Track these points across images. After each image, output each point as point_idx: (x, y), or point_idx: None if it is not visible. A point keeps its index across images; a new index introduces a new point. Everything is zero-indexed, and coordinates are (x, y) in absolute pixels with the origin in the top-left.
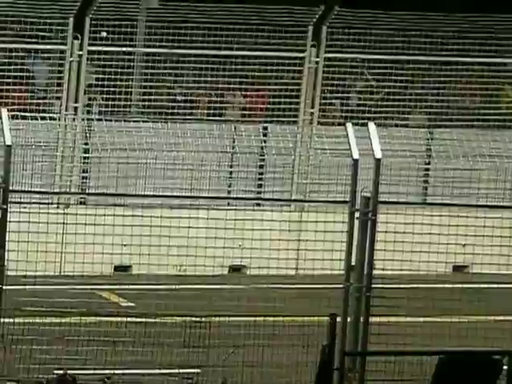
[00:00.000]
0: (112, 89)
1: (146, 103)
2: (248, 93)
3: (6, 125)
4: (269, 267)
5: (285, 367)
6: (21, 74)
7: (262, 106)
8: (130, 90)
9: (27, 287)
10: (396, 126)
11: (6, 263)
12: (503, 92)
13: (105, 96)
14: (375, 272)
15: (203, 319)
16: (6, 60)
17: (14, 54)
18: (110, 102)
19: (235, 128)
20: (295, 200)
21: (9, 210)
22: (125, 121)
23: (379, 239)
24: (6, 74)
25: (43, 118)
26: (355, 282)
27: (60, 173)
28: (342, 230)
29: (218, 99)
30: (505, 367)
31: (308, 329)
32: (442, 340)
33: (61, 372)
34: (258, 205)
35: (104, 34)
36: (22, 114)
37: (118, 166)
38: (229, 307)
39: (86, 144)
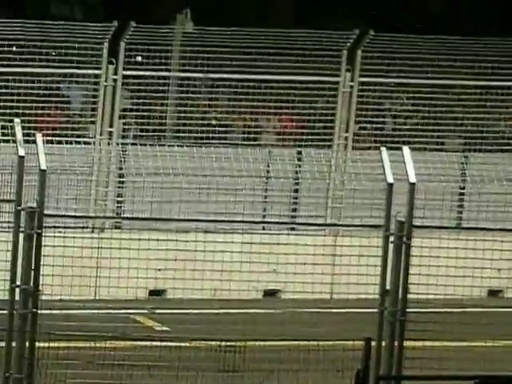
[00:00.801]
0: (147, 113)
1: (181, 127)
2: (283, 117)
3: (41, 149)
4: (303, 291)
5: None
6: (56, 98)
7: (296, 130)
8: (164, 114)
9: (62, 311)
10: (431, 150)
11: (41, 287)
12: None
13: (139, 120)
14: (410, 296)
15: (237, 344)
16: (42, 85)
17: (49, 78)
18: (144, 127)
19: (270, 152)
20: (329, 224)
21: (43, 234)
22: (159, 145)
23: (414, 263)
24: (41, 98)
25: (78, 143)
26: (390, 306)
27: (95, 197)
28: (376, 255)
29: (253, 123)
30: None
31: (342, 353)
32: (476, 364)
33: None
34: (293, 229)
35: (139, 59)
36: (57, 138)
37: (152, 190)
38: (263, 331)
39: (121, 168)
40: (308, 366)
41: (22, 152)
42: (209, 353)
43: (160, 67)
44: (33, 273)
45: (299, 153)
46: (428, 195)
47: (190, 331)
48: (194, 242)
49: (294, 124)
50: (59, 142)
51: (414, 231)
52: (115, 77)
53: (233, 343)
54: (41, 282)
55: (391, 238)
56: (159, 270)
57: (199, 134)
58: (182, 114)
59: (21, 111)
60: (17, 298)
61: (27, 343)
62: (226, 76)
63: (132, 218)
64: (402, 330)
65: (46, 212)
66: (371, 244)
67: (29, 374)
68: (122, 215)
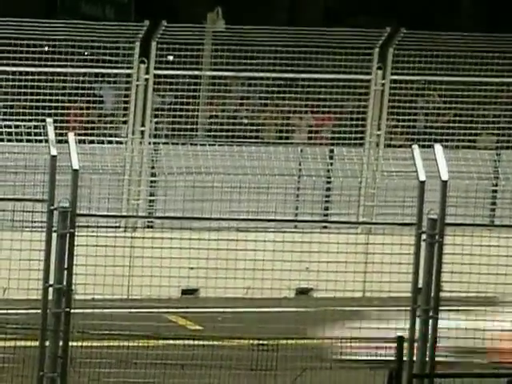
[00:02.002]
0: (178, 112)
1: (212, 126)
2: (314, 115)
3: (74, 149)
4: (335, 290)
5: None
6: (88, 98)
7: (328, 128)
8: (196, 113)
9: (95, 311)
10: (463, 147)
11: (73, 287)
12: None
13: (171, 120)
14: (442, 294)
15: (270, 342)
16: (74, 84)
17: (81, 78)
18: (176, 126)
19: (302, 150)
20: (362, 222)
21: (76, 233)
22: (191, 144)
23: (446, 261)
24: (74, 98)
25: (110, 142)
26: (422, 304)
27: (127, 196)
28: (408, 252)
29: (285, 122)
30: None
31: (375, 351)
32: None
33: None
34: (325, 227)
35: (170, 58)
36: (90, 138)
37: (184, 189)
38: (296, 330)
39: (153, 168)
40: (341, 365)
41: (54, 152)
42: (241, 351)
43: (191, 66)
44: (66, 272)
45: (331, 151)
46: (460, 193)
47: (223, 330)
48: (227, 240)
49: (326, 122)
50: (91, 142)
51: (447, 229)
52: (147, 76)
53: (265, 342)
54: (74, 282)
55: (423, 236)
56: (192, 268)
57: (231, 133)
58: (214, 113)
59: (53, 111)
60: (50, 297)
61: (61, 342)
62: (257, 75)
63: (164, 217)
64: (435, 327)
65: (78, 212)
66: (403, 242)
67: (62, 373)
68: (154, 214)
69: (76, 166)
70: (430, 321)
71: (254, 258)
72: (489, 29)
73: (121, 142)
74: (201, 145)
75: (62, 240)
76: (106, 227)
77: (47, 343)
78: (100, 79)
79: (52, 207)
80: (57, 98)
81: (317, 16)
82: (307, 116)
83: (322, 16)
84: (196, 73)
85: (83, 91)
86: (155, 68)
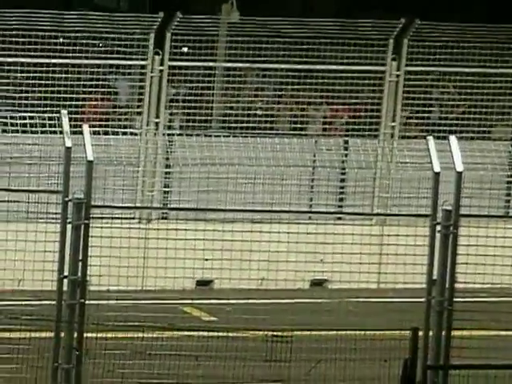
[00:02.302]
0: (193, 104)
1: (227, 118)
2: (329, 106)
3: (88, 140)
4: (350, 281)
5: (366, 381)
6: (103, 89)
7: (342, 119)
8: (210, 104)
9: (110, 302)
10: (478, 138)
11: (88, 278)
12: None
13: (186, 111)
14: (457, 285)
15: (284, 334)
16: (89, 76)
17: (96, 69)
18: (191, 117)
19: (316, 142)
20: (376, 214)
21: (91, 225)
22: (206, 135)
23: (461, 252)
24: (88, 89)
25: (125, 134)
26: (437, 295)
27: (141, 188)
28: (423, 244)
29: (299, 113)
30: None
31: (390, 342)
32: None
33: None
34: (339, 219)
35: (185, 50)
36: (104, 129)
37: (198, 180)
38: (310, 321)
39: (167, 159)
40: (355, 356)
41: (68, 143)
42: (256, 343)
43: (206, 57)
44: (80, 263)
45: (346, 142)
46: (475, 184)
47: (237, 321)
48: (241, 231)
49: (341, 113)
50: (106, 133)
51: (461, 220)
52: (161, 68)
53: (280, 333)
54: (88, 273)
55: (438, 227)
56: (206, 260)
57: (245, 124)
58: (228, 104)
59: (68, 102)
60: (65, 288)
61: (75, 334)
62: (271, 66)
63: (179, 209)
64: (450, 319)
65: (93, 203)
66: (418, 233)
67: (77, 364)
68: (169, 206)
69: (91, 158)
70: (445, 312)
71: (268, 250)
72: (504, 20)
73: (135, 134)
74: (215, 136)
75: (76, 231)
76: (121, 218)
77: (62, 334)
78: (115, 71)
79: (67, 198)
80: (71, 89)
81: (332, 7)
82: (322, 107)
83: (336, 7)
84: (210, 64)
85: (98, 83)
86: (170, 59)
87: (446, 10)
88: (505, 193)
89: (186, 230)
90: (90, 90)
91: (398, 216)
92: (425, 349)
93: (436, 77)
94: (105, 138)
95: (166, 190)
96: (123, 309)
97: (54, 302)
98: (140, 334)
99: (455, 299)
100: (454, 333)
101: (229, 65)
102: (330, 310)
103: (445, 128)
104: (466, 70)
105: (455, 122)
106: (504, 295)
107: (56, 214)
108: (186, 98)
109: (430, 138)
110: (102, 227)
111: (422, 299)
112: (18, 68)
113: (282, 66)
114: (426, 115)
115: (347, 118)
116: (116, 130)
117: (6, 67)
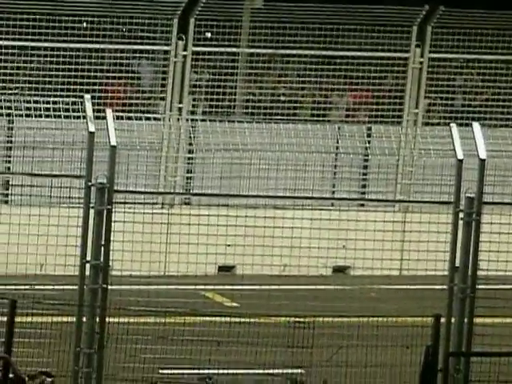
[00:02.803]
0: (216, 89)
1: (250, 103)
2: (352, 93)
3: (111, 125)
4: (372, 268)
5: (388, 368)
6: (126, 74)
7: (366, 106)
8: (234, 90)
9: (132, 287)
10: (501, 126)
11: (110, 263)
12: None
13: (209, 96)
14: (479, 273)
15: (306, 320)
16: (112, 61)
17: (119, 54)
18: (214, 103)
19: (339, 128)
20: (399, 200)
21: (113, 210)
22: (229, 121)
23: (483, 240)
24: (112, 74)
25: (148, 119)
26: (459, 282)
27: (164, 173)
28: (445, 231)
29: (322, 99)
30: None
31: (412, 329)
32: None
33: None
34: (362, 205)
35: (208, 35)
36: (127, 114)
37: (221, 166)
38: (332, 308)
39: (191, 144)
40: (377, 343)
41: (92, 128)
42: (278, 329)
43: (229, 43)
44: (103, 248)
45: (369, 129)
46: (498, 171)
47: (259, 307)
48: (264, 217)
49: (364, 100)
50: (129, 118)
51: (484, 207)
52: (185, 53)
53: (302, 319)
54: (111, 258)
55: (461, 215)
56: (228, 245)
57: (268, 110)
58: (251, 90)
59: (91, 87)
60: (87, 273)
61: (97, 318)
62: (295, 52)
63: (201, 194)
64: (472, 306)
65: (115, 188)
66: (441, 220)
67: (99, 348)
68: (192, 191)
69: (114, 143)
70: (467, 299)
71: (290, 236)
72: None
73: (158, 119)
74: (238, 122)
75: (99, 216)
76: (144, 203)
77: (84, 319)
78: (138, 56)
79: (89, 183)
80: (95, 74)
81: None
82: (345, 93)
83: None
84: (234, 50)
85: (121, 67)
86: (193, 45)
87: None
88: None
89: (208, 215)
90: (114, 74)
91: (421, 203)
92: (447, 336)
93: (459, 64)
94: (128, 122)
95: (189, 175)
96: (145, 294)
97: (76, 287)
98: (162, 320)
99: (477, 286)
100: (476, 320)
101: (252, 50)
102: (352, 296)
103: (468, 115)
104: (490, 57)
105: (478, 109)
106: None
107: (79, 198)
108: (210, 83)
109: (454, 125)
110: (124, 212)
111: (445, 286)
112: (42, 53)
113: (306, 51)
114: (449, 102)
115: (370, 104)
116: (139, 115)
117: (30, 52)
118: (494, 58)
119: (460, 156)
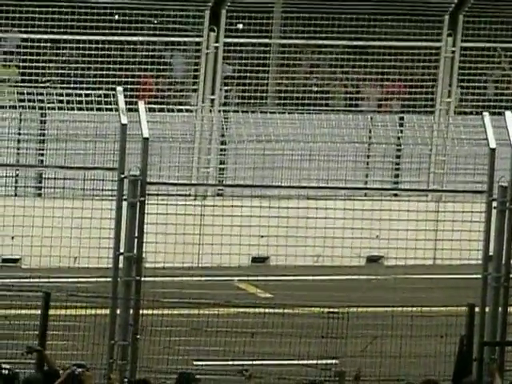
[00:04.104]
0: (248, 80)
1: (282, 94)
2: (384, 83)
3: (144, 117)
4: (406, 257)
5: (423, 358)
6: (158, 66)
7: (398, 96)
8: (266, 81)
9: (165, 279)
10: None
11: (144, 255)
12: None
13: (241, 88)
14: None
15: (340, 310)
16: (144, 53)
17: (151, 46)
18: (246, 94)
19: (371, 118)
20: (432, 190)
21: (146, 202)
22: (261, 112)
23: None
24: (144, 66)
25: (180, 111)
26: (493, 271)
27: (197, 165)
28: (479, 220)
29: (354, 89)
30: None
31: (446, 319)
32: None
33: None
34: (395, 195)
35: (240, 26)
36: (160, 106)
37: (254, 157)
38: (366, 298)
39: (223, 136)
40: (411, 332)
41: (124, 120)
42: (312, 319)
43: (261, 34)
44: (136, 240)
45: (401, 118)
46: None
47: (293, 298)
48: (297, 208)
49: (396, 90)
50: (161, 110)
51: None
52: (217, 44)
53: (336, 309)
54: (144, 250)
55: (494, 204)
56: (262, 236)
57: (300, 101)
58: (284, 81)
59: (123, 79)
60: (120, 265)
61: (131, 311)
62: (327, 42)
63: (234, 185)
64: (506, 295)
65: (148, 180)
66: (474, 209)
67: (133, 341)
68: (224, 182)
69: (146, 135)
70: (501, 288)
71: (324, 226)
72: None
73: (191, 111)
74: (270, 113)
75: (132, 208)
76: (177, 195)
77: (118, 311)
78: (170, 47)
79: (122, 175)
80: (127, 66)
81: None
82: (377, 83)
83: None
84: (266, 41)
85: (153, 59)
86: (225, 36)
87: None
88: None
89: (241, 206)
90: (146, 66)
91: (454, 192)
92: (481, 325)
93: (491, 53)
94: (160, 114)
95: (222, 166)
96: (179, 285)
97: (109, 279)
98: (195, 311)
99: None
100: (511, 309)
101: (284, 41)
102: (385, 286)
103: (501, 104)
104: None
105: (511, 97)
106: None
107: (112, 191)
108: (242, 74)
109: (486, 114)
110: (157, 204)
111: (478, 275)
112: (74, 45)
113: (338, 42)
114: (481, 91)
115: (402, 94)
116: (171, 106)
117: (62, 45)
118: None
119: (493, 145)
